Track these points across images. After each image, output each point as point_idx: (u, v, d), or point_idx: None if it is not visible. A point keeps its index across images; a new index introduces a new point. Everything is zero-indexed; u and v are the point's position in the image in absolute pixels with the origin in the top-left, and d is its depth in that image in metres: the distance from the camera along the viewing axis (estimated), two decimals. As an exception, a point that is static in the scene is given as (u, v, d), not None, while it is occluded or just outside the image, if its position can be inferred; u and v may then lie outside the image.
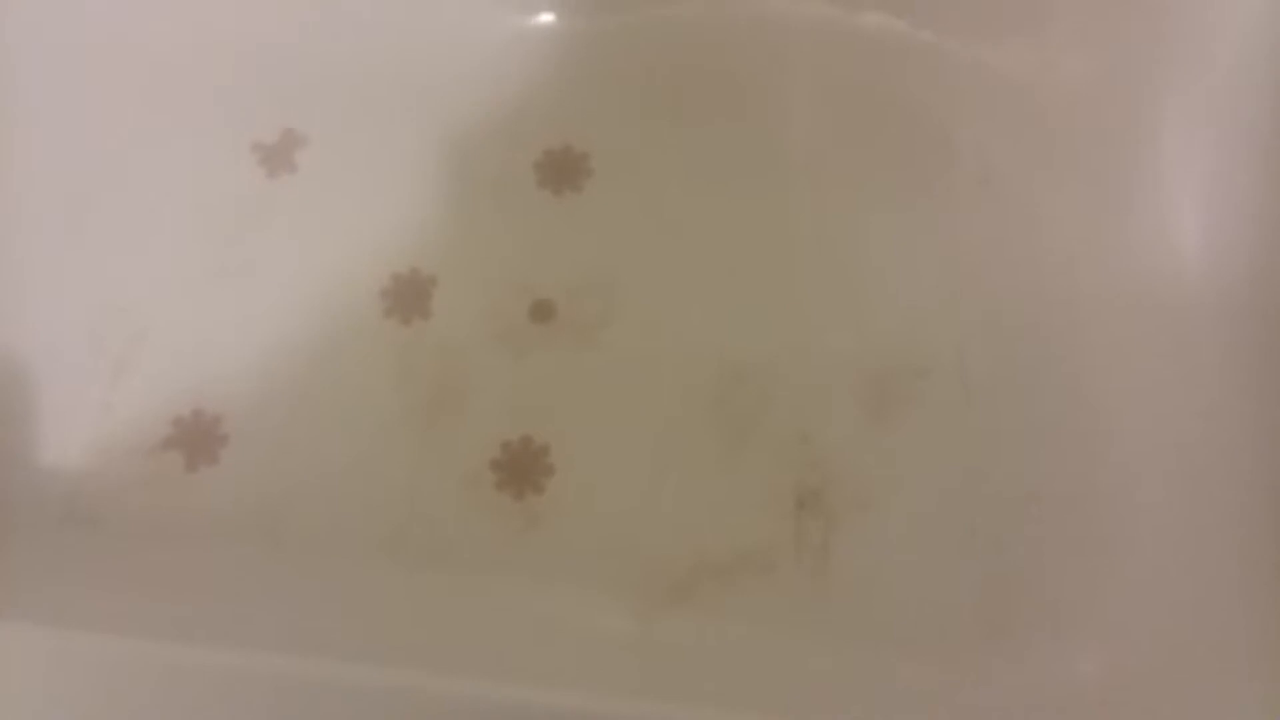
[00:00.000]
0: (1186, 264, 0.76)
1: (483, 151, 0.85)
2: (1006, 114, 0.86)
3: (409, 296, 0.81)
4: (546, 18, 0.89)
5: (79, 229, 0.81)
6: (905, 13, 0.87)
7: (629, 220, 0.84)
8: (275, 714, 0.57)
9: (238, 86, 0.87)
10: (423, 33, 0.88)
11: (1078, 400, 0.76)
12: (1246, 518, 0.67)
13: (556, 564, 0.74)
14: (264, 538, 0.74)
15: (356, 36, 0.88)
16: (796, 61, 0.89)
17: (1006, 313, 0.80)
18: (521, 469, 0.76)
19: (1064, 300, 0.79)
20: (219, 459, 0.76)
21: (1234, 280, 0.74)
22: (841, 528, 0.74)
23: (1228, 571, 0.65)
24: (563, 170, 0.85)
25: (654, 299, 0.81)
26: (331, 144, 0.86)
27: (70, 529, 0.74)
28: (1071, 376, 0.77)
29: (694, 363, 0.79)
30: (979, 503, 0.74)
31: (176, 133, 0.85)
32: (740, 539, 0.74)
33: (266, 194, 0.84)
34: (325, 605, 0.71)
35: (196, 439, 0.77)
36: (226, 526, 0.74)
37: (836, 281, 0.82)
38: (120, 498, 0.75)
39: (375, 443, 0.77)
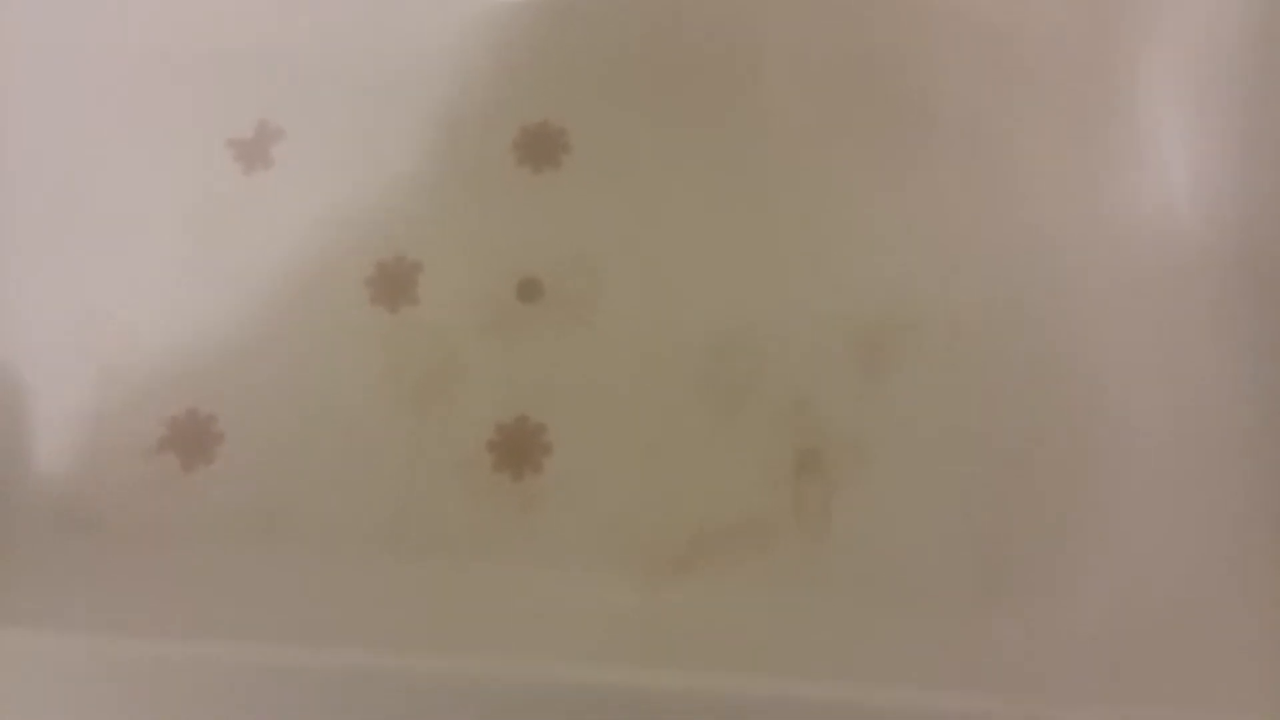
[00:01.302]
0: (1175, 210, 0.76)
1: (459, 133, 0.85)
2: (987, 64, 0.85)
3: (395, 283, 0.80)
4: (517, -6, 0.89)
5: (59, 236, 0.80)
6: (879, -34, 0.87)
7: (611, 194, 0.83)
8: (284, 705, 0.57)
9: (209, 83, 0.86)
10: (392, 16, 0.87)
11: (1070, 349, 0.76)
12: (1243, 463, 0.67)
13: (559, 542, 0.74)
14: (264, 533, 0.74)
15: (325, 25, 0.87)
16: (770, 24, 0.88)
17: (995, 264, 0.79)
18: (519, 449, 0.76)
19: (1053, 250, 0.79)
20: (215, 458, 0.76)
21: (1223, 225, 0.74)
22: (841, 489, 0.74)
23: (1225, 519, 0.66)
24: (541, 147, 0.84)
25: (641, 272, 0.81)
26: (307, 136, 0.85)
27: (70, 535, 0.74)
28: (1063, 326, 0.77)
29: (685, 334, 0.79)
30: (977, 454, 0.74)
31: (150, 134, 0.85)
32: (741, 507, 0.74)
33: (245, 190, 0.83)
34: (329, 597, 0.71)
35: (191, 439, 0.76)
36: (226, 524, 0.74)
37: (822, 243, 0.81)
38: (118, 501, 0.75)
39: (370, 432, 0.77)
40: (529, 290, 0.80)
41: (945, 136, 0.83)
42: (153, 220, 0.83)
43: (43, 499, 0.74)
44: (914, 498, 0.74)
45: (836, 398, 0.77)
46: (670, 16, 0.89)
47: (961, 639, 0.69)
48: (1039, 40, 0.84)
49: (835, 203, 0.82)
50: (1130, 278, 0.76)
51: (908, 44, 0.86)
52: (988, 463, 0.74)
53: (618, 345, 0.79)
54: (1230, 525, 0.65)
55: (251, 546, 0.73)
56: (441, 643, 0.64)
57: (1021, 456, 0.74)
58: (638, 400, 0.77)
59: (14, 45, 0.80)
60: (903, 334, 0.77)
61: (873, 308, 0.78)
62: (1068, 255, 0.79)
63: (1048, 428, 0.74)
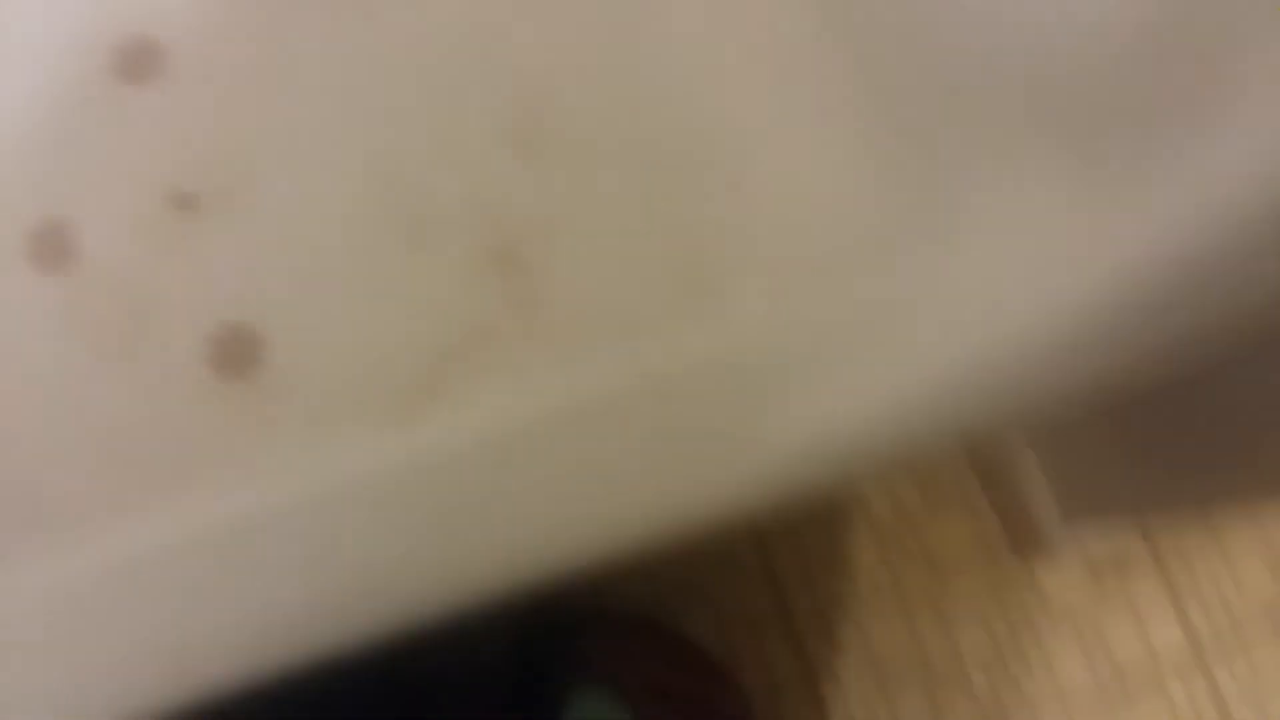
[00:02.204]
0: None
1: (55, 71, 0.81)
2: None
3: (49, 247, 0.78)
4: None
5: None
6: None
7: (234, 92, 0.82)
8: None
9: None
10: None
11: (684, 78, 0.79)
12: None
13: (308, 421, 0.76)
14: (24, 531, 0.74)
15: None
16: None
17: (590, 23, 0.81)
18: (236, 353, 0.77)
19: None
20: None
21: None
22: (540, 270, 0.78)
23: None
24: (138, 61, 0.81)
25: (284, 146, 0.80)
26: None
27: None
28: (670, 62, 0.80)
29: (344, 185, 0.79)
30: (647, 182, 0.78)
31: None
32: (460, 321, 0.77)
33: None
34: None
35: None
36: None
37: (434, 63, 0.82)
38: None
39: (87, 400, 0.76)
40: (183, 202, 0.79)
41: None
42: None
43: None
44: (609, 243, 0.78)
45: (507, 191, 0.79)
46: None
47: (685, 347, 0.74)
48: None
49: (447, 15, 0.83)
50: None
51: None
52: (657, 183, 0.77)
53: (292, 219, 0.79)
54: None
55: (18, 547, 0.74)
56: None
57: (687, 168, 0.77)
58: (325, 263, 0.78)
59: None
60: (539, 114, 0.79)
61: (499, 102, 0.80)
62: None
63: (695, 142, 0.78)
